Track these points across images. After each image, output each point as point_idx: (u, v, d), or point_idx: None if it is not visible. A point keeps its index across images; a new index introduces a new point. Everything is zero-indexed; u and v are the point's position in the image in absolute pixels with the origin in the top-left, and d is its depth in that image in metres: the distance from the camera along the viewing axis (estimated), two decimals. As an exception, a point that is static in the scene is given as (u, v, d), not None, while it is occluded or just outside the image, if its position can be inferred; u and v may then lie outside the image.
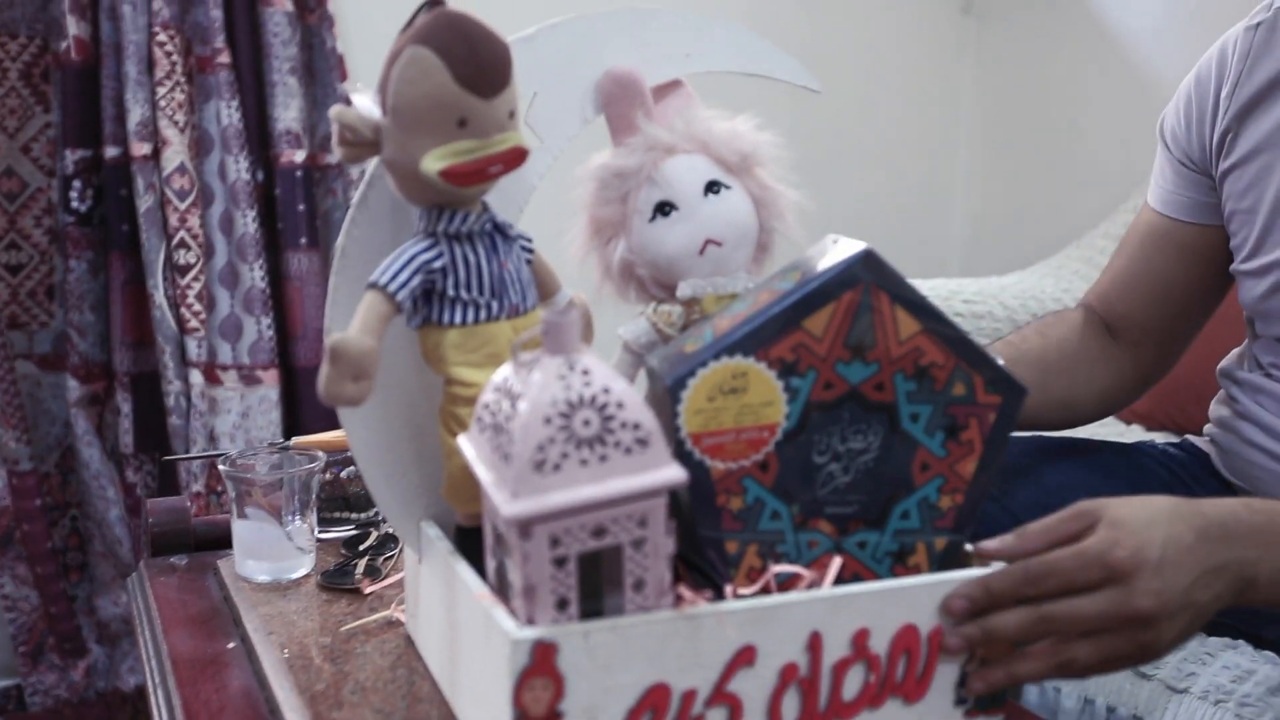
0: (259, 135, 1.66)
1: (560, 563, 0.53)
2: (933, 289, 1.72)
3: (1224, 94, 0.90)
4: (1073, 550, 0.59)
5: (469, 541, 0.63)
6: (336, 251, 0.64)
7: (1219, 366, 1.01)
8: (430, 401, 0.65)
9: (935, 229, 2.46)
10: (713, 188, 0.66)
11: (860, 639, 0.60)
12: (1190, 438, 1.04)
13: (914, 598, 0.60)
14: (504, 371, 0.55)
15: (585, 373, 0.52)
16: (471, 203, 0.60)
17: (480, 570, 0.60)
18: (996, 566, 0.62)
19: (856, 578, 0.63)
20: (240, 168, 1.62)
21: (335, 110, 0.58)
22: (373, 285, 0.58)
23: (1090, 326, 0.99)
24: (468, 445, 0.57)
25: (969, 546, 0.65)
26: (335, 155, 0.61)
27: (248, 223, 1.63)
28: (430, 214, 0.60)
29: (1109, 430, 1.57)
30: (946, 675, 0.62)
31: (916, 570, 0.64)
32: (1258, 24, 0.90)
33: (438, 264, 0.59)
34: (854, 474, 0.62)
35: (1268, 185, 0.87)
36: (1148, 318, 0.98)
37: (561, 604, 0.53)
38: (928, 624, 0.61)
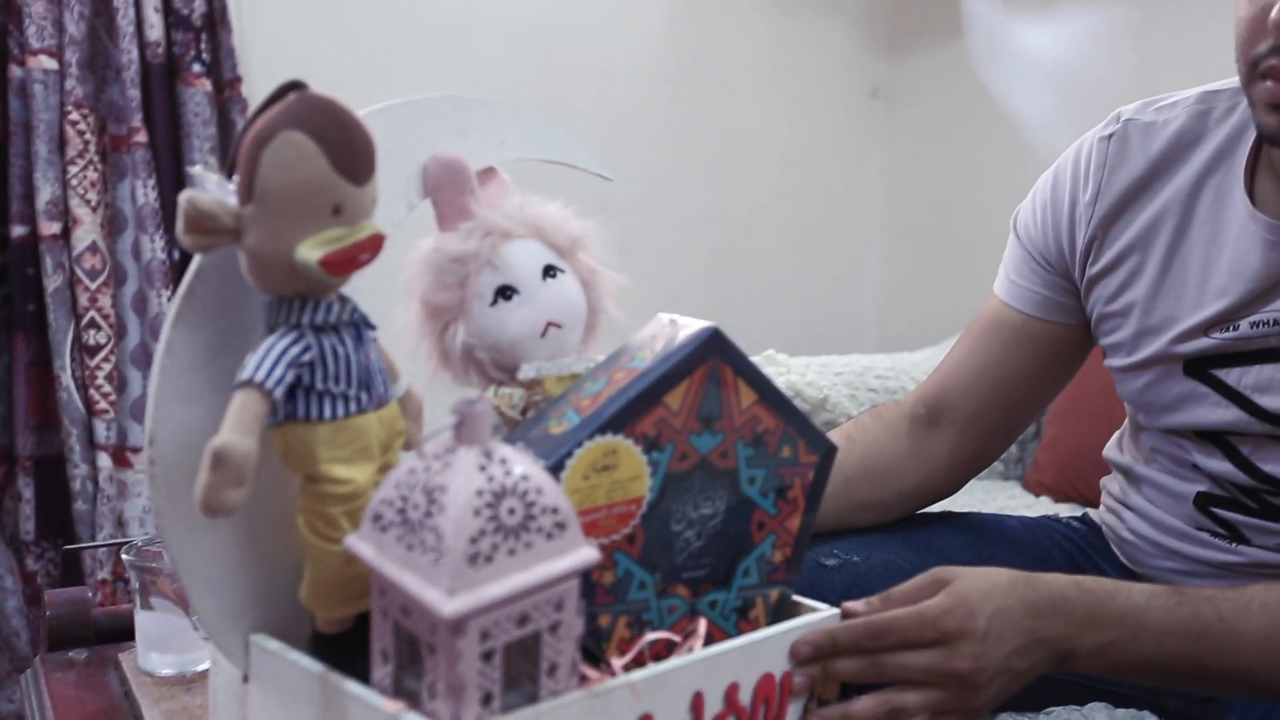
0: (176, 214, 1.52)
1: (488, 656, 0.52)
2: (847, 365, 1.76)
3: (1084, 202, 0.94)
4: (912, 610, 0.68)
5: (329, 650, 0.60)
6: (160, 348, 0.59)
7: (1105, 450, 1.05)
8: (260, 504, 0.61)
9: (849, 306, 2.58)
10: (550, 271, 0.67)
11: (732, 693, 0.63)
12: (1090, 512, 1.09)
13: (773, 648, 0.65)
14: (408, 465, 0.53)
15: (504, 461, 0.52)
16: (332, 292, 0.58)
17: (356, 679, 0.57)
18: (831, 613, 0.69)
19: (709, 636, 0.67)
20: (155, 247, 1.61)
21: (189, 195, 0.53)
22: (248, 383, 0.53)
23: (906, 424, 1.02)
24: (363, 545, 0.54)
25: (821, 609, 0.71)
26: (183, 243, 0.56)
27: (162, 302, 1.60)
28: (290, 305, 0.57)
29: (1018, 503, 1.64)
30: (794, 715, 0.67)
31: (757, 623, 0.69)
32: (1110, 135, 0.93)
33: (307, 357, 0.56)
34: (705, 538, 0.66)
35: (1138, 285, 0.91)
36: (979, 408, 1.00)
37: (486, 699, 0.52)
38: (780, 671, 0.66)
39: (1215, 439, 0.89)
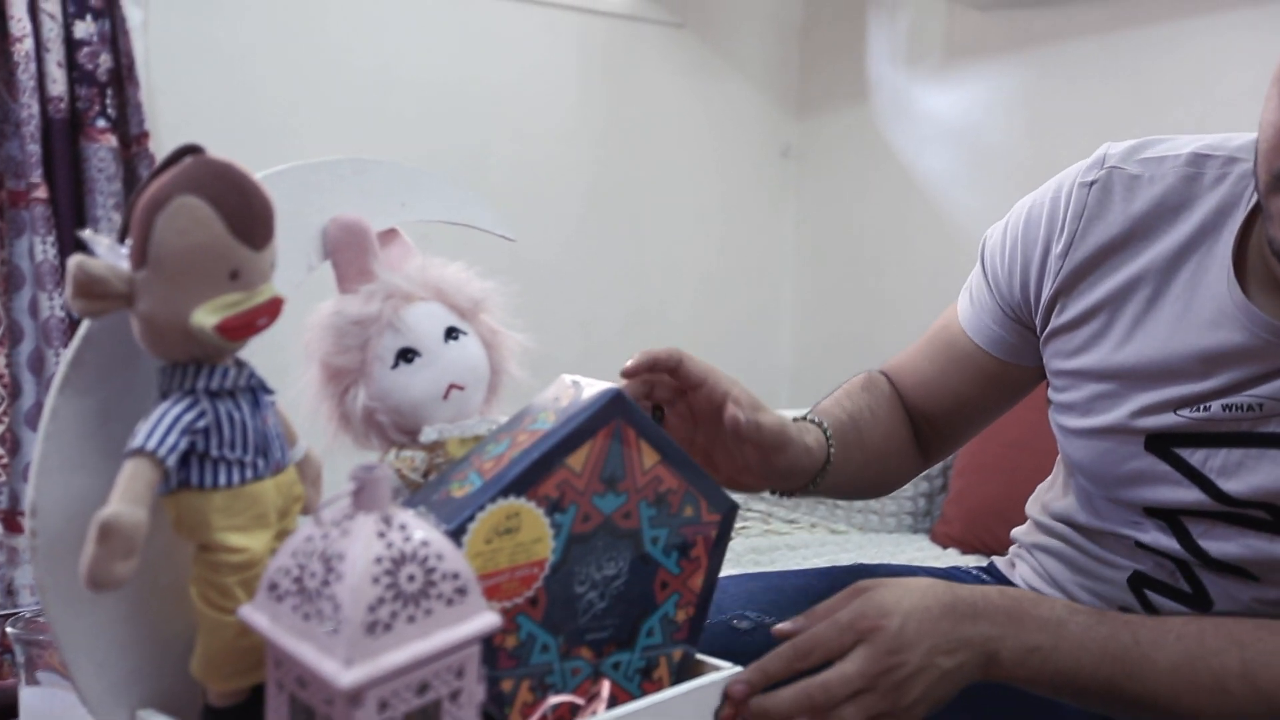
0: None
1: (386, 726, 0.51)
2: None
3: (1055, 252, 0.89)
4: (830, 621, 0.69)
5: (222, 722, 0.58)
6: (45, 414, 0.57)
7: (1028, 505, 1.04)
8: (151, 575, 0.59)
9: (765, 360, 2.59)
10: (452, 333, 0.67)
11: (636, 755, 0.63)
12: (996, 561, 1.09)
13: (677, 708, 0.65)
14: (306, 532, 0.53)
15: (403, 527, 0.52)
16: (228, 357, 0.57)
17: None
18: (734, 670, 0.69)
19: (613, 698, 0.67)
20: (54, 305, 1.56)
21: (79, 261, 0.53)
22: (139, 451, 0.52)
23: (898, 400, 1.04)
24: (257, 616, 0.53)
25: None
26: (72, 308, 0.55)
27: (60, 361, 1.50)
28: (184, 371, 0.56)
29: (926, 554, 1.65)
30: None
31: (660, 683, 0.69)
32: (1092, 182, 0.88)
33: (201, 424, 0.55)
34: (608, 599, 0.66)
35: (1100, 348, 0.87)
36: (935, 416, 1.02)
37: (385, 770, 0.51)
38: (687, 730, 0.66)
39: (1166, 516, 0.87)
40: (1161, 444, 0.85)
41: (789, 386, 2.65)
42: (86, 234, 0.55)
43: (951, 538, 1.69)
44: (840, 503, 1.76)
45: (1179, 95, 1.87)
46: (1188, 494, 0.84)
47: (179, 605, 0.59)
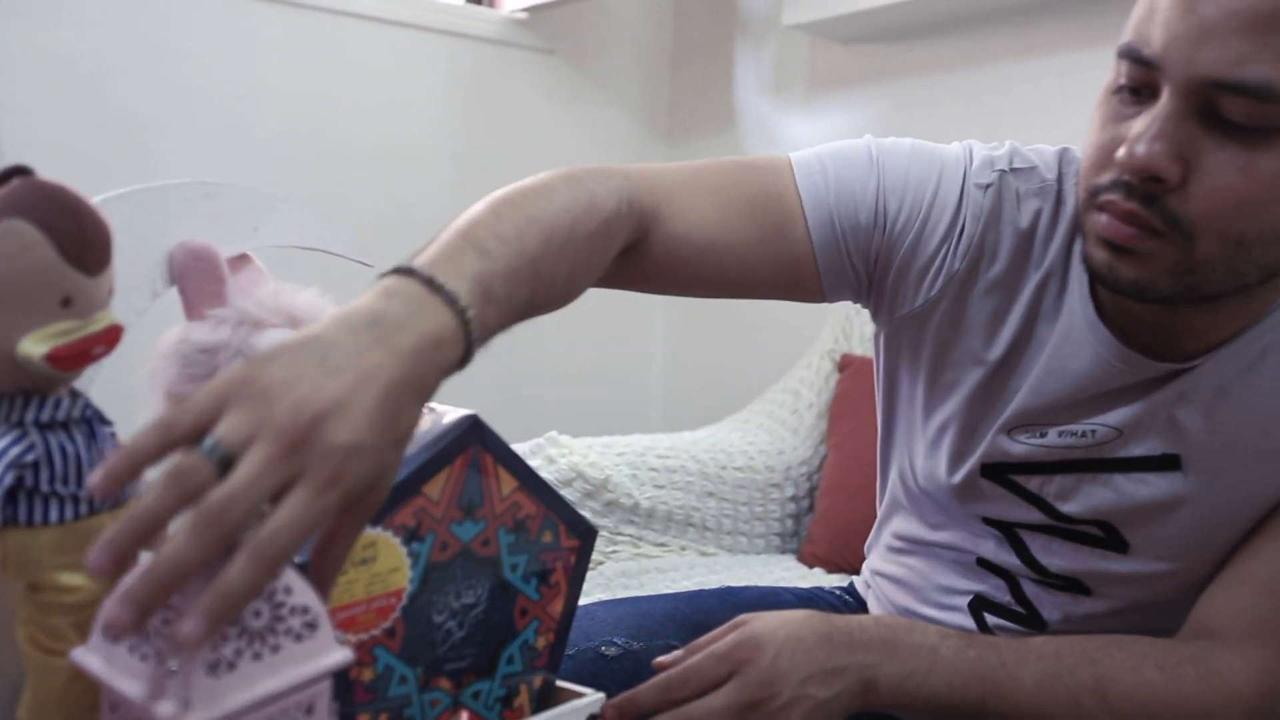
0: None
1: (230, 768, 0.49)
2: (629, 445, 1.75)
3: (948, 248, 0.82)
4: (706, 653, 0.69)
5: (56, 771, 0.55)
6: None
7: (866, 545, 1.03)
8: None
9: (636, 383, 2.57)
10: (305, 361, 0.66)
11: (496, 787, 0.62)
12: (855, 581, 1.09)
13: (540, 736, 0.65)
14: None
15: None
16: (62, 387, 0.55)
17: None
18: (596, 697, 0.69)
19: (473, 729, 0.66)
20: None
21: (-105, 286, 0.50)
22: (-40, 487, 0.50)
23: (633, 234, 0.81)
24: (91, 658, 0.51)
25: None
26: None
27: None
28: (11, 403, 0.53)
29: (793, 574, 1.65)
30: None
31: (521, 711, 0.69)
32: (986, 185, 0.83)
33: (30, 458, 0.52)
34: (467, 628, 0.65)
35: (965, 369, 0.85)
36: (688, 279, 0.84)
37: (229, 814, 0.49)
38: (548, 759, 0.66)
39: (1003, 528, 0.88)
40: (997, 471, 0.86)
41: (660, 409, 2.67)
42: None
43: (817, 557, 1.73)
44: (710, 526, 1.77)
45: (1029, 128, 1.96)
46: (1026, 513, 0.86)
47: (6, 650, 0.56)
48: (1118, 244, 0.71)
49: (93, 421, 0.56)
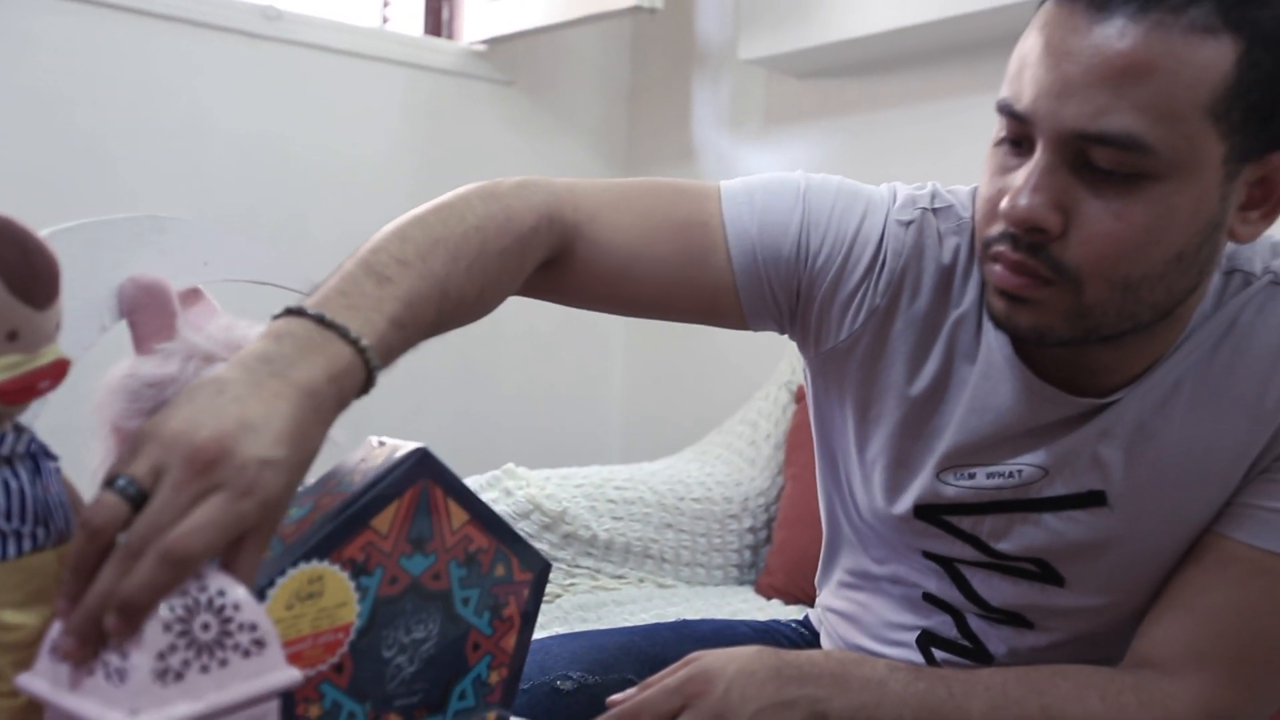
0: None
1: (176, 792, 0.49)
2: (587, 476, 1.73)
3: (869, 284, 0.83)
4: (658, 686, 0.70)
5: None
6: None
7: (816, 581, 1.03)
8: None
9: (596, 416, 2.56)
10: (255, 395, 0.66)
11: (445, 823, 0.62)
12: (810, 614, 1.09)
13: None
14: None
15: (199, 576, 0.51)
16: (6, 422, 0.54)
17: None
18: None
19: (424, 764, 0.66)
20: None
21: None
22: (-100, 524, 0.49)
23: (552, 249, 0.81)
24: (37, 682, 0.50)
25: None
26: None
27: None
28: (-45, 436, 0.53)
29: (750, 606, 1.64)
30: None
31: (473, 746, 0.68)
32: (909, 222, 0.84)
33: (-27, 493, 0.52)
34: (418, 663, 0.65)
35: (885, 421, 0.87)
36: (605, 296, 0.85)
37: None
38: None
39: (943, 563, 0.89)
40: (931, 513, 0.87)
41: (620, 443, 2.68)
42: None
43: (775, 589, 1.73)
44: (668, 558, 1.77)
45: (979, 162, 1.99)
46: (962, 550, 0.87)
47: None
48: (1011, 293, 0.73)
49: (38, 456, 0.55)
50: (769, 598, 1.73)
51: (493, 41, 2.39)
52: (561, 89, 2.59)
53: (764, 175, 0.87)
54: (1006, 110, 0.73)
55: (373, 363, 0.60)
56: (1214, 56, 0.66)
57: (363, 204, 2.23)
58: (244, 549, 0.53)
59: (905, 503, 0.87)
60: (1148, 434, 0.80)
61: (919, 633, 0.93)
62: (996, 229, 0.73)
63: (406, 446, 0.65)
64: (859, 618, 0.97)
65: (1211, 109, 0.66)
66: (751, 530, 1.87)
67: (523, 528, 1.59)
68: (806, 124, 2.35)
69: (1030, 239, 0.71)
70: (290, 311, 0.60)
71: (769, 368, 2.10)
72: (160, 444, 0.51)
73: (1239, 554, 0.78)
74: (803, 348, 0.90)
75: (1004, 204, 0.71)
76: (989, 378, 0.82)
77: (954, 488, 0.85)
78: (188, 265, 0.69)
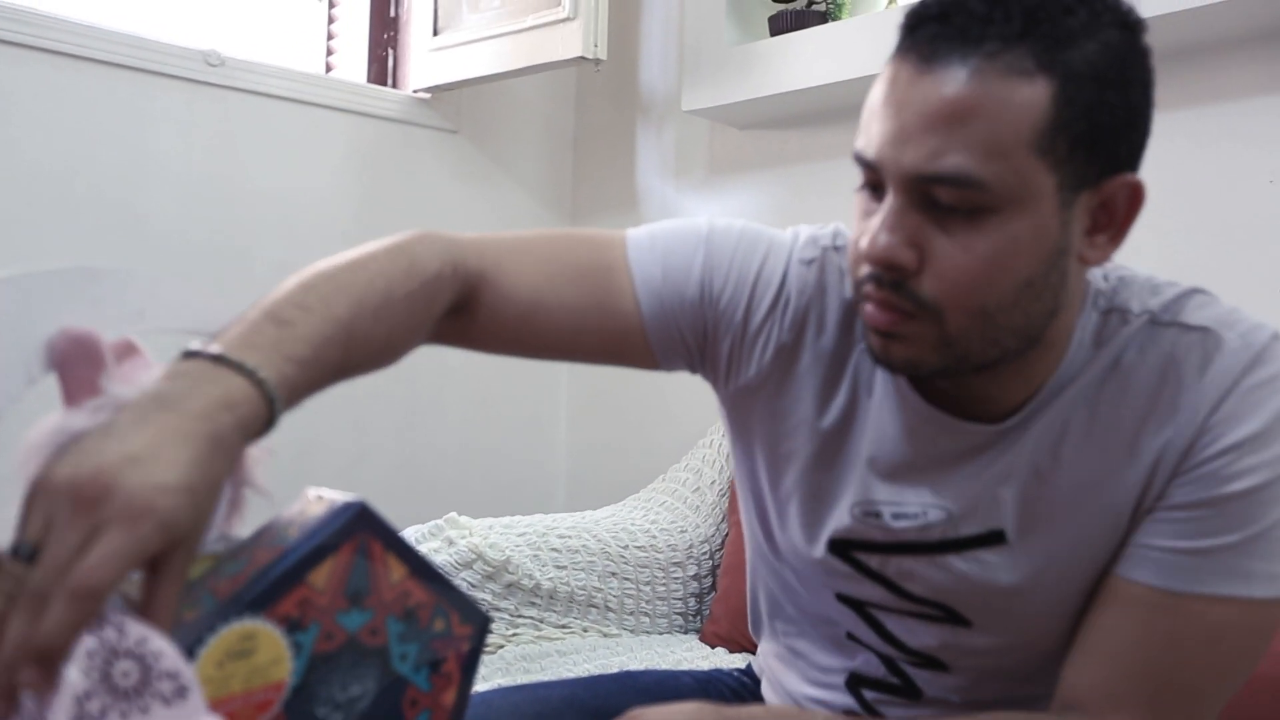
0: None
1: None
2: (530, 525, 1.73)
3: (774, 321, 0.87)
4: None
5: None
6: None
7: (750, 628, 1.04)
8: None
9: (540, 462, 2.55)
10: (188, 448, 0.65)
11: None
12: (753, 661, 1.10)
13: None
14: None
15: (120, 624, 0.50)
16: (-73, 478, 0.53)
17: None
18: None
19: (359, 826, 0.64)
20: None
21: None
22: None
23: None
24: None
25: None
26: None
27: None
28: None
29: (695, 654, 1.63)
30: None
31: (411, 806, 0.67)
32: (810, 260, 0.88)
33: (-110, 552, 0.50)
34: (353, 721, 0.64)
35: (798, 457, 0.89)
36: (517, 340, 0.86)
37: None
38: None
39: (855, 606, 0.90)
40: (843, 547, 0.88)
41: (564, 489, 2.66)
42: None
43: (719, 636, 1.72)
44: (613, 606, 1.76)
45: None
46: (872, 591, 0.88)
47: None
48: (883, 330, 0.77)
49: (-41, 514, 0.54)
50: (713, 645, 1.73)
51: (437, 89, 2.40)
52: (506, 137, 2.61)
53: (668, 221, 0.91)
54: (860, 159, 0.77)
55: (272, 394, 0.61)
56: (1031, 96, 0.70)
57: (306, 250, 2.21)
58: (160, 579, 0.53)
59: (821, 539, 0.89)
60: (1040, 476, 0.82)
61: (847, 675, 0.93)
62: (864, 270, 0.77)
63: (344, 499, 0.65)
64: (792, 662, 0.98)
65: (1036, 144, 0.70)
66: (696, 578, 1.87)
67: (465, 577, 1.58)
68: (749, 173, 2.38)
69: (891, 276, 0.75)
70: (188, 355, 0.61)
71: (712, 415, 2.10)
72: (46, 496, 0.52)
73: (1138, 595, 0.80)
74: (715, 386, 0.93)
75: (863, 244, 0.75)
76: (884, 408, 0.85)
77: (864, 525, 0.87)
78: (122, 316, 0.68)
